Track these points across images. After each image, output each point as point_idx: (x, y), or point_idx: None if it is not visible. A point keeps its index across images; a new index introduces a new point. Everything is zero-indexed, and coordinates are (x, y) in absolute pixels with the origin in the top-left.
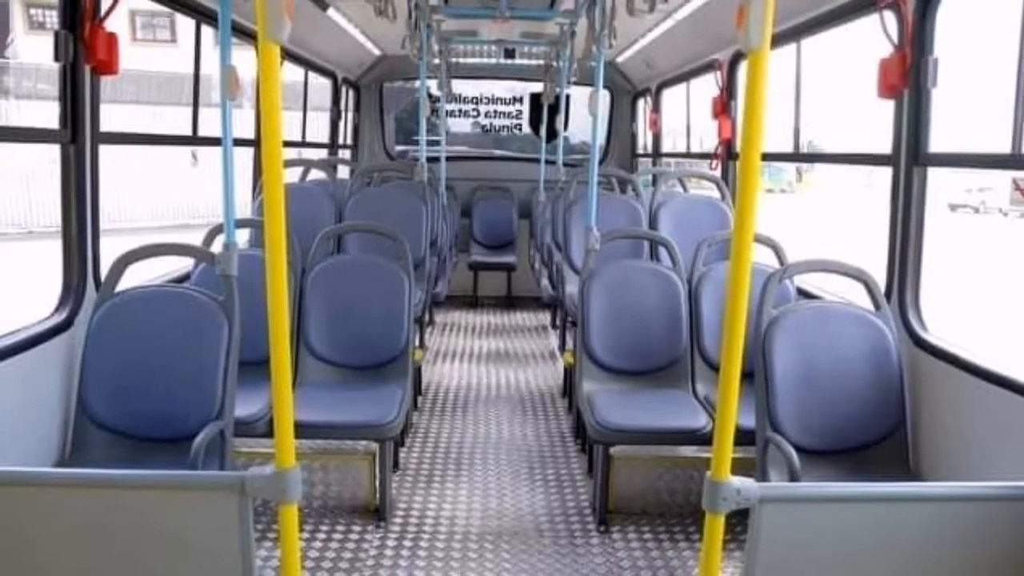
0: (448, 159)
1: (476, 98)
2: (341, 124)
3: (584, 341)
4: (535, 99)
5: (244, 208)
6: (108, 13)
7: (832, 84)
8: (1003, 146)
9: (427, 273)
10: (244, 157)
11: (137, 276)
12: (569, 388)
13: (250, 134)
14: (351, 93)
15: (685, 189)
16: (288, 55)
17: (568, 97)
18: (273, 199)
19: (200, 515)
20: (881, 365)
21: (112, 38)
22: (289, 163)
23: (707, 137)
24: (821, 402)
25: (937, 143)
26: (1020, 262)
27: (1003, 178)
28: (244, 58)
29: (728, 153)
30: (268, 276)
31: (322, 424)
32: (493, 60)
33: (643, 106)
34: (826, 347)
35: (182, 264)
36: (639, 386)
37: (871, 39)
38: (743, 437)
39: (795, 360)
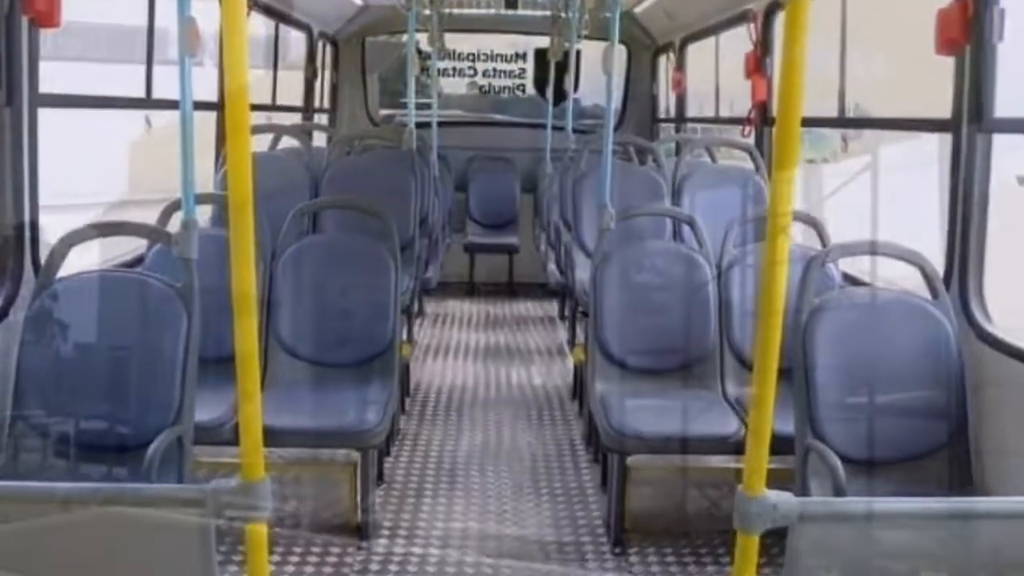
0: (440, 124)
1: (473, 55)
2: (317, 85)
3: (597, 335)
4: (540, 56)
5: (206, 181)
6: None
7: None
8: None
9: (416, 256)
10: (206, 122)
11: (83, 260)
12: (580, 389)
13: (213, 96)
14: (329, 49)
15: (713, 159)
16: (256, 5)
17: (579, 53)
18: (238, 170)
19: (155, 534)
20: (939, 362)
21: None
22: (257, 129)
23: (739, 100)
24: (870, 405)
25: (1005, 106)
26: None
27: None
28: (206, 9)
29: (763, 118)
30: (233, 259)
31: (295, 430)
32: (492, 10)
33: (665, 64)
34: (876, 341)
35: (134, 246)
36: (660, 386)
37: None
38: (780, 445)
39: (840, 356)
